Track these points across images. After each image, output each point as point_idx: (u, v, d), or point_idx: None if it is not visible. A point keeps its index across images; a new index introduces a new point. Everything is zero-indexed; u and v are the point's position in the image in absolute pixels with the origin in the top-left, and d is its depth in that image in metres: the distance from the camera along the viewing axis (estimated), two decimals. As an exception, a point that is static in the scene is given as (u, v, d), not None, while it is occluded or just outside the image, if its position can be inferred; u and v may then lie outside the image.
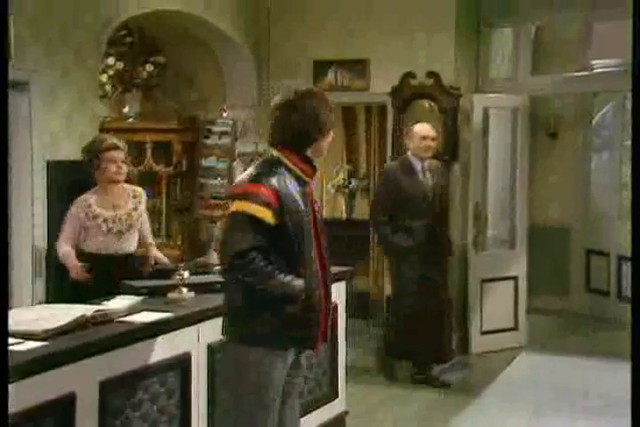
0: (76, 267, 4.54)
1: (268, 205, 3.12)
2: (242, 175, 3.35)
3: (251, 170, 3.30)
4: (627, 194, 7.45)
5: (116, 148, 4.68)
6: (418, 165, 5.91)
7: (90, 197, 4.69)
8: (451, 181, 6.59)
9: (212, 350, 3.78)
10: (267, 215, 3.12)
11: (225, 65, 7.38)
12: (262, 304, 3.17)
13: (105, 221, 4.65)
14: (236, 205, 3.16)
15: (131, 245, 4.79)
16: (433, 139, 5.92)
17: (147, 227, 4.93)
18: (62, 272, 4.63)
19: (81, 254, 4.63)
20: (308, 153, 3.31)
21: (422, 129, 5.93)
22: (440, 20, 6.72)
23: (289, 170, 3.25)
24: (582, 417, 5.26)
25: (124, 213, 4.72)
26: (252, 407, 3.23)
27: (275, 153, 3.29)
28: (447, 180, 6.37)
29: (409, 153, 5.96)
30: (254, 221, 3.11)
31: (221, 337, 3.36)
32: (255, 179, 3.20)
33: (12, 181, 5.06)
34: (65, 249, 4.61)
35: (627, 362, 3.14)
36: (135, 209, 4.78)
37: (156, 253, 4.89)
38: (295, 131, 3.25)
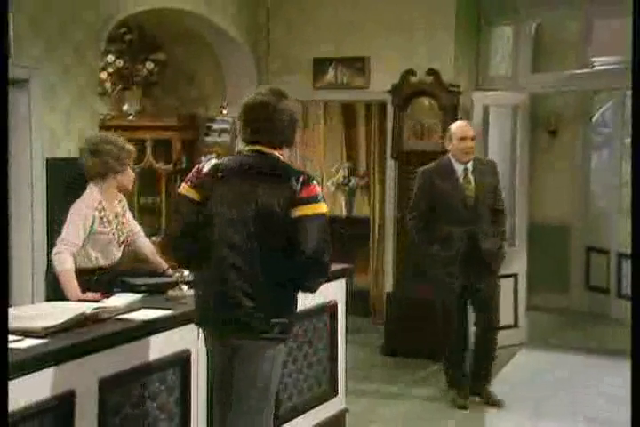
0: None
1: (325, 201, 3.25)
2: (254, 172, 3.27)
3: (269, 167, 3.24)
4: (627, 191, 7.44)
5: None
6: (459, 168, 5.35)
7: (101, 199, 4.11)
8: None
9: (211, 347, 3.78)
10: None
11: (225, 62, 7.38)
12: (296, 299, 3.27)
13: (117, 228, 4.17)
14: (321, 207, 3.16)
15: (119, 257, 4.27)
16: (472, 138, 5.36)
17: (140, 231, 4.41)
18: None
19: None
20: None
21: (459, 129, 5.38)
22: (440, 18, 6.74)
23: None
24: (581, 416, 5.25)
25: (122, 222, 4.25)
26: (262, 404, 3.23)
27: (273, 152, 3.29)
28: (497, 181, 5.61)
29: (449, 154, 5.41)
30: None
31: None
32: (309, 178, 3.19)
33: (11, 178, 5.06)
34: (68, 267, 3.93)
35: (627, 360, 3.14)
36: (124, 215, 4.29)
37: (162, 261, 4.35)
38: (284, 131, 3.26)
